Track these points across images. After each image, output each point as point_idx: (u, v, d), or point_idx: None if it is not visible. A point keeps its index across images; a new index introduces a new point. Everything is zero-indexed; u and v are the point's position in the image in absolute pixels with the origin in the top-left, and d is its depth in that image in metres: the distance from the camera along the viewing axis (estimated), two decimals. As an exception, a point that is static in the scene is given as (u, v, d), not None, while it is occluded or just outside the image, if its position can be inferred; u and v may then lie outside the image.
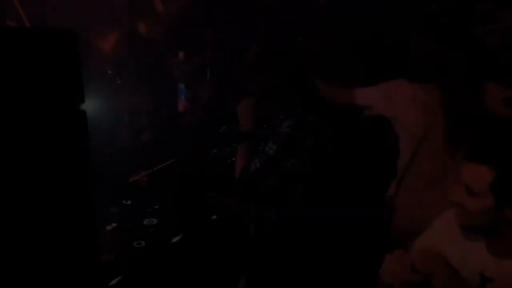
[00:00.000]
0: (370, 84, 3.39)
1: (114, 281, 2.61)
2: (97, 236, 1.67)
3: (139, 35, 5.64)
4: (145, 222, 3.02)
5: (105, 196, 3.29)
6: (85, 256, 1.49)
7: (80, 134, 1.32)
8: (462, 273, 1.90)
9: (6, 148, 1.19)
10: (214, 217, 3.16)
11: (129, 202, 3.22)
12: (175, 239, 2.91)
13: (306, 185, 2.59)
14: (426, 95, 2.83)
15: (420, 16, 3.74)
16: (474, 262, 1.86)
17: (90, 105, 4.03)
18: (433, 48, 2.97)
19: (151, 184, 3.44)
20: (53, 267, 1.38)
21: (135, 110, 4.63)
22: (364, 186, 3.77)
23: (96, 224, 2.04)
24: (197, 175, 3.59)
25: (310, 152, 2.51)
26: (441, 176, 2.77)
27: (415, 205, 2.85)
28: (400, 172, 3.00)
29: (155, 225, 2.99)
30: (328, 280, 2.82)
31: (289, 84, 2.58)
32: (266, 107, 2.68)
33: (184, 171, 3.61)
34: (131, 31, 5.73)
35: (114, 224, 2.99)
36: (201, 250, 3.01)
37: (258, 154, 2.54)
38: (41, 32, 1.35)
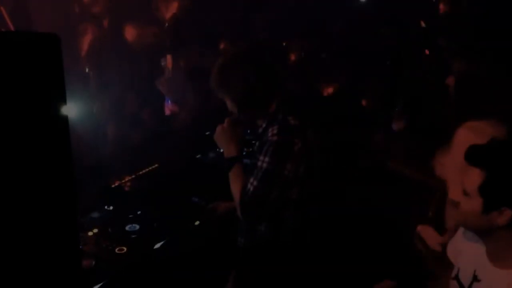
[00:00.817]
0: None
1: (96, 287, 2.58)
2: (79, 242, 1.66)
3: (124, 38, 5.64)
4: (127, 228, 3.00)
5: (87, 202, 3.26)
6: (66, 261, 1.47)
7: (62, 139, 1.30)
8: (455, 264, 1.95)
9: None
10: (197, 222, 3.14)
11: (111, 207, 3.19)
12: (157, 245, 2.89)
13: (300, 188, 2.59)
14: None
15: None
16: (469, 258, 1.90)
17: (73, 109, 4.03)
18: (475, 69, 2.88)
19: (134, 189, 3.41)
20: (34, 273, 1.36)
21: (119, 113, 4.61)
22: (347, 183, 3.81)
23: (78, 230, 2.03)
24: (180, 180, 3.57)
25: (300, 154, 2.51)
26: None
27: None
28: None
29: (137, 231, 2.97)
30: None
31: (265, 88, 2.56)
32: (244, 123, 2.68)
33: (168, 176, 3.59)
34: (115, 34, 5.72)
35: (96, 230, 2.97)
36: (184, 256, 2.99)
37: (250, 171, 2.53)
38: (25, 36, 1.34)
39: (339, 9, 6.31)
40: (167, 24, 5.83)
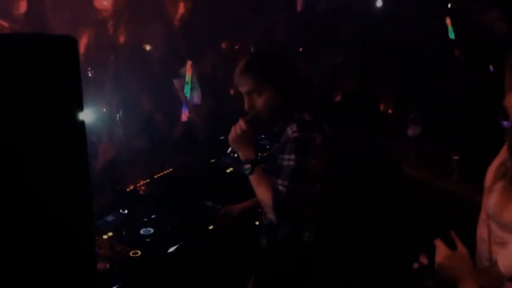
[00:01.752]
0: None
1: (110, 291, 2.60)
2: (94, 245, 1.66)
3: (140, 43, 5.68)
4: (141, 231, 3.00)
5: (102, 205, 3.28)
6: (82, 265, 1.48)
7: (78, 143, 1.31)
8: None
9: (4, 155, 1.18)
10: (211, 226, 3.14)
11: (126, 211, 3.20)
12: (171, 249, 2.89)
13: (322, 183, 2.59)
14: None
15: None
16: None
17: (88, 113, 4.05)
18: None
19: (149, 193, 3.42)
20: (49, 275, 1.37)
21: (136, 118, 4.63)
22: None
23: (94, 233, 2.03)
24: (195, 184, 3.58)
25: (321, 148, 2.51)
26: None
27: None
28: None
29: (151, 235, 2.98)
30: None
31: (281, 87, 2.58)
32: (259, 125, 2.67)
33: (182, 180, 3.60)
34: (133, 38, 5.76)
35: (110, 233, 2.98)
36: (198, 260, 3.00)
37: (275, 172, 2.51)
38: (42, 38, 1.35)
39: (354, 14, 6.33)
40: (176, 25, 5.87)
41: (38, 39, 1.30)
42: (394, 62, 5.22)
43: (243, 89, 2.61)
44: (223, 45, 5.70)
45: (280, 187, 2.47)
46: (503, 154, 2.32)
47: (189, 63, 4.99)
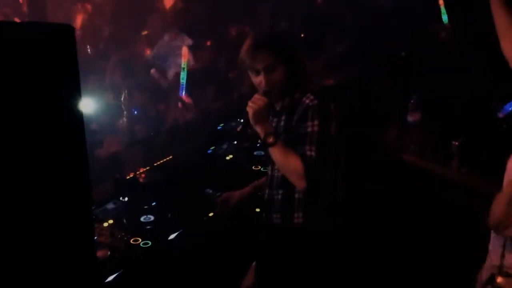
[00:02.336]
0: None
1: (110, 278, 2.61)
2: (93, 233, 1.67)
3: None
4: (142, 219, 3.01)
5: (102, 193, 3.28)
6: (81, 252, 1.48)
7: (76, 131, 1.31)
8: None
9: (2, 140, 1.18)
10: (211, 214, 3.15)
11: (126, 199, 3.21)
12: (172, 236, 2.90)
13: (336, 149, 2.65)
14: None
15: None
16: None
17: (88, 102, 4.05)
18: None
19: (149, 181, 3.43)
20: (49, 262, 1.37)
21: (132, 106, 4.63)
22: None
23: (93, 221, 2.04)
24: (195, 172, 3.58)
25: (336, 114, 2.61)
26: None
27: None
28: None
29: (152, 222, 2.99)
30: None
31: (294, 62, 2.66)
32: (273, 99, 2.69)
33: (182, 167, 3.60)
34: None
35: (111, 221, 2.99)
36: (199, 247, 3.01)
37: (297, 142, 2.56)
38: (39, 27, 1.34)
39: (353, 3, 6.32)
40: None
41: (35, 27, 1.30)
42: (393, 48, 5.20)
43: (260, 65, 2.61)
44: (230, 32, 5.69)
45: (309, 152, 2.52)
46: None
47: (185, 48, 4.97)
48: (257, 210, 3.22)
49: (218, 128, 4.32)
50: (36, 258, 1.32)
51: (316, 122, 2.54)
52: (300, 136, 2.57)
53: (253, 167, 3.65)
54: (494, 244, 2.30)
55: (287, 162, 2.57)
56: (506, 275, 2.20)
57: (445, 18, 5.40)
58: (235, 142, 4.02)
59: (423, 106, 4.12)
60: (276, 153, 2.60)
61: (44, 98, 1.22)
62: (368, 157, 3.96)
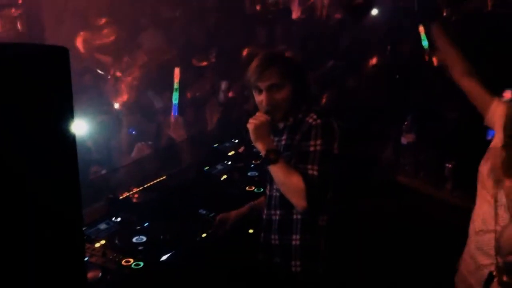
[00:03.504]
0: None
1: (101, 299, 2.58)
2: (84, 254, 1.65)
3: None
4: (134, 239, 2.99)
5: (95, 213, 3.27)
6: (71, 273, 1.47)
7: (68, 152, 1.31)
8: None
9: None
10: (204, 235, 3.13)
11: (118, 219, 3.19)
12: (164, 257, 2.88)
13: (337, 167, 2.64)
14: None
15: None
16: None
17: (82, 120, 4.04)
18: None
19: (142, 201, 3.41)
20: (38, 283, 1.36)
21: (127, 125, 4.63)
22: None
23: (84, 241, 2.02)
24: (188, 192, 3.57)
25: (338, 133, 2.61)
26: None
27: None
28: None
29: (144, 243, 2.96)
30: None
31: (299, 82, 2.69)
32: (275, 118, 2.70)
33: (175, 188, 3.58)
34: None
35: (103, 241, 2.96)
36: (191, 268, 2.98)
37: (299, 160, 2.56)
38: (34, 48, 1.34)
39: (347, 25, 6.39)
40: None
41: (30, 49, 1.30)
42: (388, 70, 5.24)
43: (265, 83, 2.63)
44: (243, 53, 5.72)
45: (311, 172, 2.51)
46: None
47: (177, 69, 4.99)
48: (251, 231, 3.22)
49: (212, 148, 4.32)
50: (25, 280, 1.31)
51: (319, 142, 2.54)
52: (303, 155, 2.57)
53: (246, 188, 3.64)
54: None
55: (288, 181, 2.56)
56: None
57: (425, 43, 5.50)
58: (229, 163, 4.02)
59: (417, 128, 4.14)
60: (277, 171, 2.58)
61: (36, 119, 1.22)
62: (363, 178, 3.97)
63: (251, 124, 2.62)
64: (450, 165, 3.69)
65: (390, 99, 4.74)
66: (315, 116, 2.60)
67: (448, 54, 2.77)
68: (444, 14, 5.58)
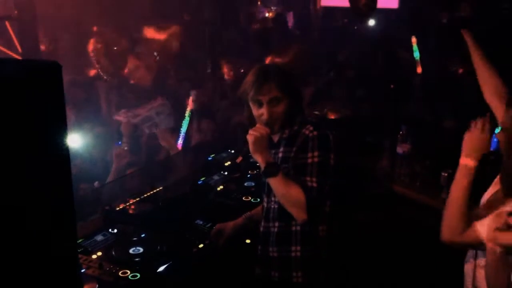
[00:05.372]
0: None
1: (98, 311, 2.58)
2: (78, 267, 1.66)
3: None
4: (131, 251, 2.99)
5: (91, 225, 3.27)
6: (67, 285, 1.48)
7: (62, 167, 1.32)
8: None
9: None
10: (201, 245, 3.14)
11: (115, 230, 3.19)
12: (161, 268, 2.88)
13: (333, 177, 2.68)
14: None
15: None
16: None
17: (77, 135, 4.05)
18: None
19: (138, 212, 3.41)
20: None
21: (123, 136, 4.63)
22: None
23: (77, 254, 2.03)
24: (185, 203, 3.57)
25: (334, 144, 2.66)
26: None
27: None
28: None
29: (141, 254, 2.97)
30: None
31: (296, 95, 2.74)
32: (273, 130, 2.72)
33: (172, 199, 3.59)
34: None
35: (99, 253, 2.97)
36: (188, 280, 2.98)
37: (297, 172, 2.59)
38: (27, 63, 1.36)
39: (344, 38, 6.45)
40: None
41: (23, 65, 1.32)
42: (383, 80, 5.27)
43: (266, 97, 2.65)
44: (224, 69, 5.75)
45: (310, 184, 2.54)
46: (497, 183, 2.38)
47: (191, 97, 4.95)
48: (248, 241, 3.22)
49: (209, 159, 4.33)
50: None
51: (316, 153, 2.58)
52: (300, 167, 2.60)
53: (243, 198, 3.65)
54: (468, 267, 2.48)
55: (288, 193, 2.58)
56: None
57: (416, 55, 5.56)
58: (226, 173, 4.03)
59: (412, 137, 4.15)
60: (277, 183, 2.60)
61: (29, 135, 1.23)
62: (359, 189, 3.98)
63: (251, 136, 2.63)
64: (446, 174, 3.69)
65: (385, 110, 4.77)
66: (311, 128, 2.64)
67: (479, 72, 2.69)
68: (444, 20, 5.65)
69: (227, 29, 6.77)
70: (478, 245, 2.25)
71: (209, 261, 3.09)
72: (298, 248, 2.71)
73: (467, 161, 2.36)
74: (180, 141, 4.77)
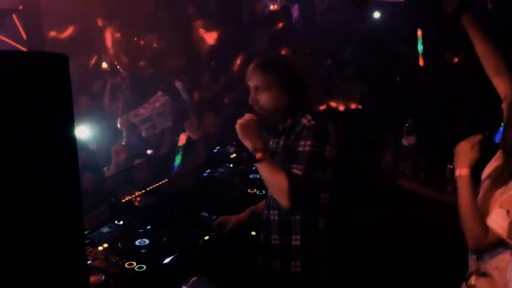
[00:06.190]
0: None
1: (104, 302, 2.60)
2: (86, 257, 1.67)
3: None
4: (137, 242, 3.01)
5: (97, 217, 3.28)
6: (74, 277, 1.49)
7: (69, 158, 1.32)
8: None
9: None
10: (206, 237, 3.15)
11: (121, 222, 3.21)
12: (167, 260, 2.90)
13: (333, 169, 2.68)
14: None
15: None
16: None
17: (85, 126, 4.07)
18: None
19: (144, 204, 3.43)
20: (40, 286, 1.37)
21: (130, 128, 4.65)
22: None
23: (85, 245, 2.04)
24: (190, 195, 3.59)
25: (333, 137, 2.64)
26: None
27: None
28: None
29: (147, 246, 2.98)
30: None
31: (286, 88, 2.71)
32: (264, 119, 2.73)
33: (177, 191, 3.60)
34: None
35: (105, 245, 2.98)
36: (194, 271, 2.99)
37: (289, 160, 2.60)
38: (34, 55, 1.36)
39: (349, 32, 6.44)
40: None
41: (30, 56, 1.32)
42: (388, 73, 5.25)
43: (251, 83, 2.74)
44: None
45: (295, 171, 2.55)
46: (497, 159, 2.41)
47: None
48: (253, 233, 3.23)
49: (214, 151, 4.33)
50: (27, 284, 1.33)
51: (308, 142, 2.58)
52: (292, 154, 2.62)
53: (248, 190, 3.66)
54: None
55: (272, 179, 2.61)
56: (480, 275, 2.29)
57: (420, 48, 5.54)
58: (231, 165, 4.04)
59: (417, 130, 4.14)
60: (263, 169, 2.64)
61: (37, 126, 1.23)
62: (363, 182, 3.98)
63: (237, 124, 2.69)
64: (451, 167, 3.69)
65: (390, 103, 4.76)
66: (310, 118, 2.66)
67: (479, 49, 2.69)
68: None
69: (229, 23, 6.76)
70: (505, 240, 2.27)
71: (214, 253, 3.11)
72: (298, 237, 2.73)
73: (461, 172, 2.47)
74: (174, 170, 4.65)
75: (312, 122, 2.62)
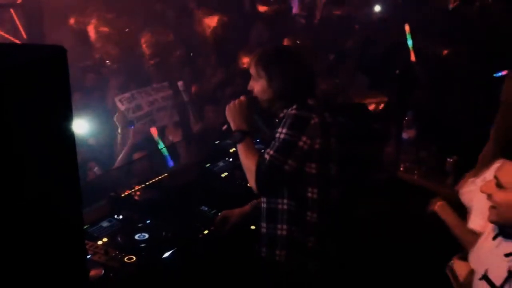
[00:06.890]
0: None
1: (104, 297, 2.59)
2: (85, 252, 1.66)
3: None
4: (136, 237, 3.00)
5: (96, 211, 3.27)
6: (73, 271, 1.48)
7: (68, 151, 1.31)
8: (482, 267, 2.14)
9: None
10: (206, 232, 3.14)
11: (120, 217, 3.20)
12: (166, 254, 2.89)
13: (320, 164, 2.68)
14: None
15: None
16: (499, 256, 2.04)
17: (84, 120, 4.06)
18: None
19: (144, 198, 3.42)
20: (40, 282, 1.37)
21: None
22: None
23: (84, 239, 2.03)
24: (190, 189, 3.58)
25: (317, 129, 2.62)
26: None
27: None
28: None
29: (146, 240, 2.97)
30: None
31: (275, 82, 2.73)
32: (257, 105, 2.78)
33: (177, 185, 3.59)
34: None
35: (105, 239, 2.97)
36: (194, 266, 2.99)
37: (266, 144, 2.65)
38: (31, 48, 1.35)
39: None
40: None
41: (28, 49, 1.31)
42: (390, 66, 5.24)
43: (250, 71, 2.82)
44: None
45: (266, 156, 2.59)
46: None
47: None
48: (253, 227, 3.22)
49: (214, 145, 4.32)
50: (27, 278, 1.32)
51: (284, 130, 2.60)
52: (269, 142, 2.66)
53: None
54: None
55: (245, 161, 2.68)
56: (460, 258, 2.42)
57: (410, 43, 5.53)
58: (231, 159, 4.02)
59: (418, 123, 4.13)
60: (240, 150, 2.72)
61: (36, 118, 1.22)
62: (363, 175, 3.97)
63: (229, 103, 2.78)
64: (452, 160, 3.68)
65: (392, 97, 4.75)
66: (294, 107, 2.67)
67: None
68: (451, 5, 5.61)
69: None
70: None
71: (214, 247, 3.10)
72: (285, 227, 2.74)
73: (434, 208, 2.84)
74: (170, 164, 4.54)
75: (293, 112, 2.64)
